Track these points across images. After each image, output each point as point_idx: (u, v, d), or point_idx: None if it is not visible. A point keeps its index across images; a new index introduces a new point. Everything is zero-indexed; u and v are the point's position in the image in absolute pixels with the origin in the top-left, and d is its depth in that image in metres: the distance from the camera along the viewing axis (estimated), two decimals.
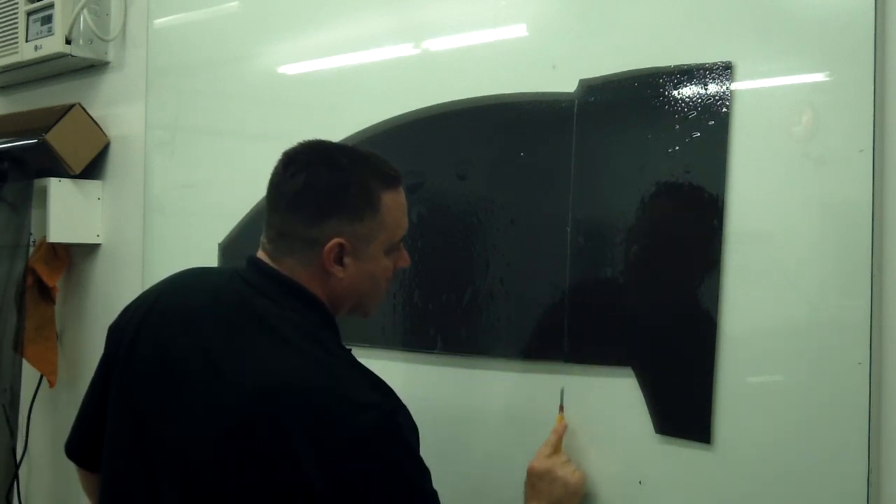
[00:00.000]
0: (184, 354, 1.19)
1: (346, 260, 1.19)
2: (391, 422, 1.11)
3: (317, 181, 1.19)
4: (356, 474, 1.07)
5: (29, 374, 2.42)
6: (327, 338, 1.20)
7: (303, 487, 1.06)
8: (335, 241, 1.17)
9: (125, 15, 2.33)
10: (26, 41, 2.38)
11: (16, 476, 2.42)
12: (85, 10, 2.28)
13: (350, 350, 1.23)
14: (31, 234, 2.37)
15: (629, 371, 1.39)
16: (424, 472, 1.15)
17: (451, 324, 1.59)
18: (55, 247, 2.38)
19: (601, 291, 1.43)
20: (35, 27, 2.36)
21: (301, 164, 1.21)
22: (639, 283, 1.40)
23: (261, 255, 1.25)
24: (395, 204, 1.23)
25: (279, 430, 1.08)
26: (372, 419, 1.09)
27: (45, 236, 2.32)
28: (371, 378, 1.17)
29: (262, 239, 1.25)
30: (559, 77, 1.47)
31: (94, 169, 2.37)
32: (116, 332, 1.31)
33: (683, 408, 1.34)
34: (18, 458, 2.42)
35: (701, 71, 1.33)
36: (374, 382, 1.16)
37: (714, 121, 1.32)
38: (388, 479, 1.10)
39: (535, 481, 1.38)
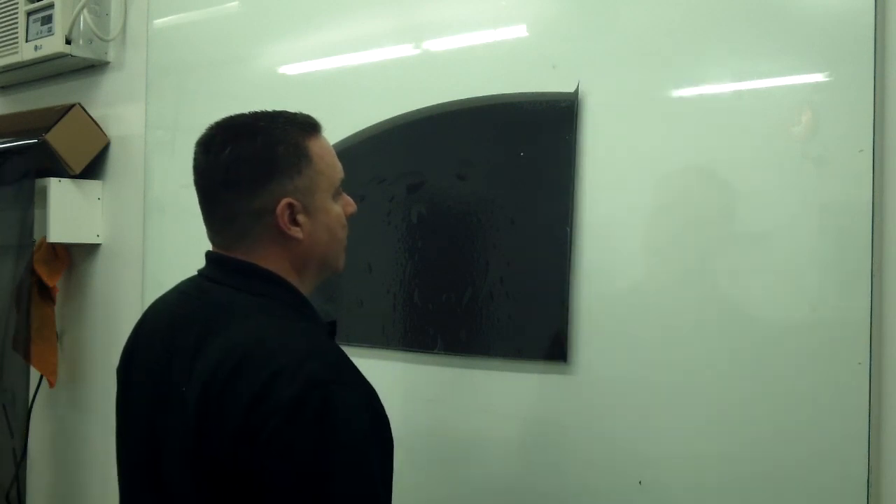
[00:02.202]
0: (161, 369, 1.17)
1: (300, 218, 1.16)
2: (318, 395, 1.02)
3: (244, 151, 1.16)
4: (273, 445, 1.01)
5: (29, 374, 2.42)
6: (285, 307, 1.17)
7: (242, 465, 1.02)
8: (284, 201, 1.15)
9: (125, 15, 2.33)
10: (26, 41, 2.38)
11: (16, 476, 2.42)
12: (85, 10, 2.28)
13: (330, 322, 1.21)
14: (31, 234, 2.37)
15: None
16: (351, 462, 1.03)
17: (451, 324, 1.59)
18: (55, 247, 2.38)
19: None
20: (35, 27, 2.36)
21: (220, 143, 1.18)
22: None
23: (214, 249, 1.23)
24: (322, 149, 1.20)
25: (219, 406, 1.05)
26: (295, 390, 1.01)
27: (45, 236, 2.32)
28: (321, 349, 1.11)
29: (209, 235, 1.23)
30: (559, 77, 1.47)
31: (94, 169, 2.38)
32: (118, 372, 1.30)
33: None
34: (18, 457, 2.42)
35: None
36: (322, 354, 1.09)
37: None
38: (300, 454, 1.01)
39: None
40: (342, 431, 1.03)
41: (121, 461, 1.26)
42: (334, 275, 1.28)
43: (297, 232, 1.16)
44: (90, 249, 2.41)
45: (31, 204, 2.34)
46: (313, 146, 1.19)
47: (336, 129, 1.74)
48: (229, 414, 1.04)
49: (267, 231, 1.16)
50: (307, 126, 1.21)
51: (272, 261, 1.18)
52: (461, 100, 1.59)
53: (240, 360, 1.06)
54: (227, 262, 1.20)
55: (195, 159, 1.21)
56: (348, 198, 1.25)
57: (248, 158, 1.16)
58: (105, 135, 2.37)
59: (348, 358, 1.13)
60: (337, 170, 1.22)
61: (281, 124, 1.19)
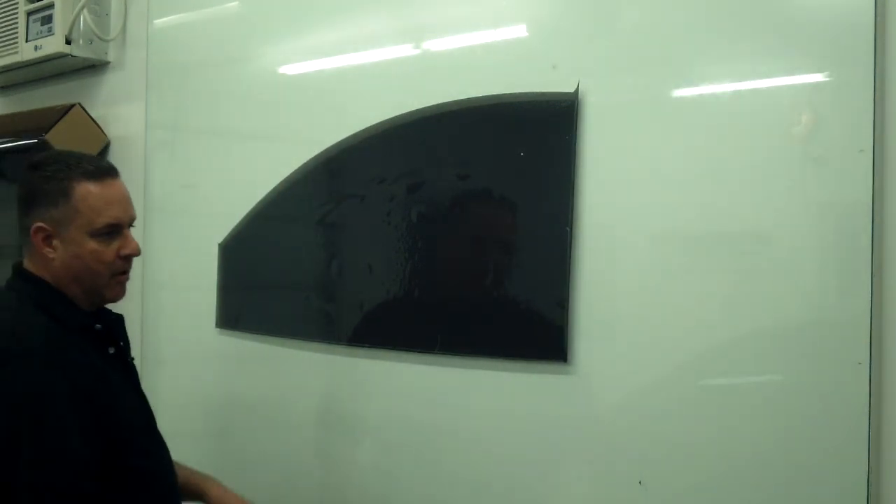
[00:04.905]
0: None
1: (55, 242, 1.40)
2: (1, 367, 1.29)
3: (26, 178, 1.44)
4: None
5: None
6: (28, 302, 1.40)
7: None
8: (36, 224, 1.40)
9: (125, 15, 2.33)
10: (26, 41, 2.38)
11: None
12: (85, 10, 2.28)
13: (90, 315, 1.43)
14: None
15: None
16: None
17: (450, 324, 1.59)
18: None
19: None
20: (35, 27, 2.36)
21: (23, 169, 1.45)
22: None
23: None
24: (89, 193, 1.40)
25: None
26: None
27: None
28: (19, 332, 1.35)
29: None
30: (559, 77, 1.47)
31: None
32: None
33: None
34: None
35: None
36: (18, 335, 1.34)
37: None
38: None
39: None
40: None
41: None
42: (112, 301, 1.47)
43: (49, 252, 1.41)
44: None
45: None
46: (80, 188, 1.40)
47: (336, 129, 1.75)
48: None
49: (32, 245, 1.41)
50: (86, 172, 1.41)
51: (38, 268, 1.42)
52: (461, 100, 1.59)
53: None
54: (13, 267, 1.46)
55: None
56: (129, 241, 1.46)
57: (26, 185, 1.44)
58: (105, 135, 2.37)
59: (45, 343, 1.34)
60: (102, 214, 1.41)
61: (61, 166, 1.41)
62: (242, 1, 2.05)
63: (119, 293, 1.47)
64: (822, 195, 1.24)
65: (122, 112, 2.34)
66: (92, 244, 1.40)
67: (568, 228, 1.45)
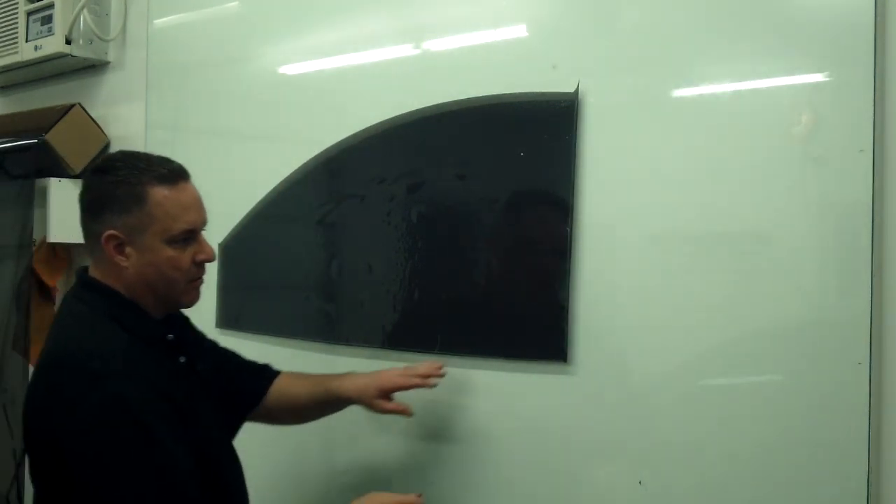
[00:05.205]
0: None
1: (128, 250, 1.33)
2: (91, 389, 1.23)
3: (95, 182, 1.37)
4: (59, 431, 1.26)
5: (28, 373, 2.41)
6: (101, 315, 1.34)
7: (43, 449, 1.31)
8: (108, 231, 1.32)
9: (125, 15, 2.33)
10: (26, 41, 2.38)
11: (16, 476, 2.42)
12: (85, 10, 2.28)
13: (161, 327, 1.38)
14: (31, 234, 2.37)
15: None
16: (112, 459, 1.23)
17: (450, 324, 1.59)
18: (55, 247, 2.38)
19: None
20: (35, 27, 2.37)
21: (91, 171, 1.41)
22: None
23: None
24: (165, 198, 1.33)
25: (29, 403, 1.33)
26: (74, 383, 1.25)
27: (45, 236, 2.32)
28: (101, 349, 1.29)
29: None
30: (559, 77, 1.47)
31: None
32: None
33: None
34: (18, 458, 2.42)
35: None
36: (100, 353, 1.28)
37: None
38: (76, 441, 1.24)
39: None
40: (102, 421, 1.24)
41: None
42: (187, 307, 1.43)
43: (122, 261, 1.33)
44: None
45: (31, 204, 2.34)
46: (154, 193, 1.32)
47: (336, 129, 1.75)
48: (40, 407, 1.31)
49: (101, 252, 1.34)
50: (159, 176, 1.34)
51: (107, 276, 1.35)
52: (461, 100, 1.59)
53: (48, 363, 1.33)
54: (79, 276, 1.41)
55: None
56: (204, 246, 1.39)
57: (95, 188, 1.36)
58: (105, 135, 2.37)
59: (127, 361, 1.29)
60: (178, 219, 1.34)
61: (133, 170, 1.34)
62: (242, 1, 2.05)
63: (195, 298, 1.42)
64: (822, 195, 1.24)
65: (122, 112, 2.35)
66: (168, 251, 1.34)
67: (568, 228, 1.45)
